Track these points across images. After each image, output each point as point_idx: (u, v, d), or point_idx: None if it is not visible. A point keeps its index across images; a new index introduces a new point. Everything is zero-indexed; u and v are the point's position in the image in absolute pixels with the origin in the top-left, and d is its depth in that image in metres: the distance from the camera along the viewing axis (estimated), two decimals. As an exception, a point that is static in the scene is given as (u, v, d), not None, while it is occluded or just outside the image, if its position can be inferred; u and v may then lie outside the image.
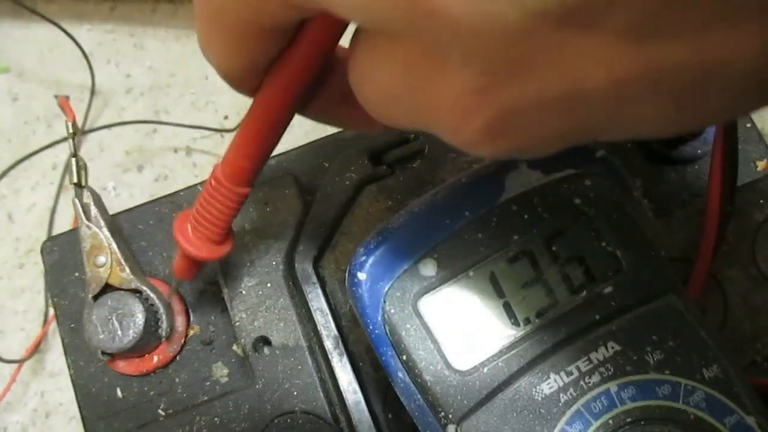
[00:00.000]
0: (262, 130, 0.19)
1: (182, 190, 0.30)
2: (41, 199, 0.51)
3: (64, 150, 0.51)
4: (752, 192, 0.26)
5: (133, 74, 0.53)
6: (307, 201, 0.27)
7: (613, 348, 0.19)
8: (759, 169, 0.29)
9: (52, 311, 0.48)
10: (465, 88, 0.12)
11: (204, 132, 0.51)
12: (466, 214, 0.20)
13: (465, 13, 0.11)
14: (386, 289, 0.19)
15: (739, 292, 0.25)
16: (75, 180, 0.27)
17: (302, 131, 0.50)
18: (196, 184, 0.31)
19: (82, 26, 0.54)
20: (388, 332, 0.19)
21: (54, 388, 0.47)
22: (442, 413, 0.19)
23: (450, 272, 0.20)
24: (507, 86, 0.12)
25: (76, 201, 0.27)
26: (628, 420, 0.19)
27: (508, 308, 0.20)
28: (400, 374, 0.20)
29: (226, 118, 0.52)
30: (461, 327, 0.19)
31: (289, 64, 0.18)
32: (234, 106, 0.52)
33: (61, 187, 0.51)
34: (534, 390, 0.19)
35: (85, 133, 0.52)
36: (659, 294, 0.20)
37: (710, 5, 0.10)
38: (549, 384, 0.19)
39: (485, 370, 0.19)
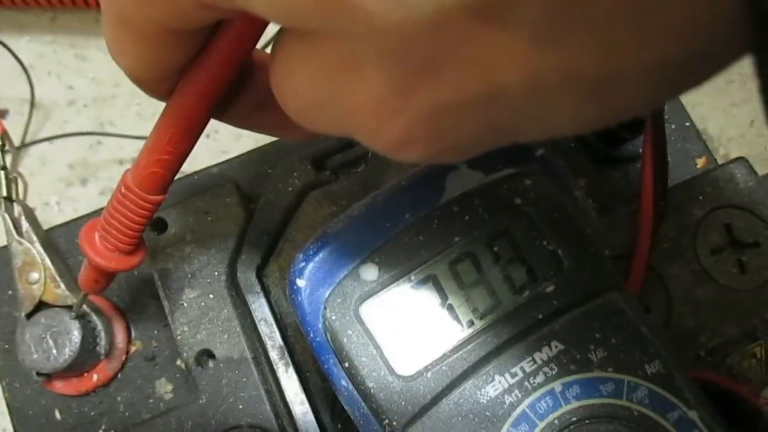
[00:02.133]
0: (176, 135, 0.19)
1: (121, 202, 0.30)
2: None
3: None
4: (692, 189, 0.27)
5: (76, 86, 0.52)
6: (250, 209, 0.27)
7: (556, 347, 0.19)
8: (698, 166, 0.30)
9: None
10: (383, 90, 0.12)
11: (151, 143, 0.50)
12: (406, 217, 0.20)
13: (380, 5, 0.11)
14: (326, 295, 0.19)
15: (681, 287, 0.26)
16: (4, 194, 0.26)
17: (252, 140, 0.50)
18: (135, 195, 0.30)
19: (21, 37, 0.53)
20: (329, 339, 0.19)
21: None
22: (387, 420, 0.19)
23: (391, 276, 0.19)
24: (423, 86, 0.12)
25: (6, 216, 0.26)
26: (573, 419, 0.19)
27: (451, 311, 0.19)
28: (343, 382, 0.20)
29: (173, 128, 0.51)
30: (404, 331, 0.19)
31: (204, 67, 0.17)
32: (182, 116, 0.51)
33: None
34: (479, 393, 0.19)
35: (25, 146, 0.50)
36: (601, 292, 0.20)
37: (610, 4, 0.10)
38: (494, 386, 0.19)
39: (429, 374, 0.19)
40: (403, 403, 0.19)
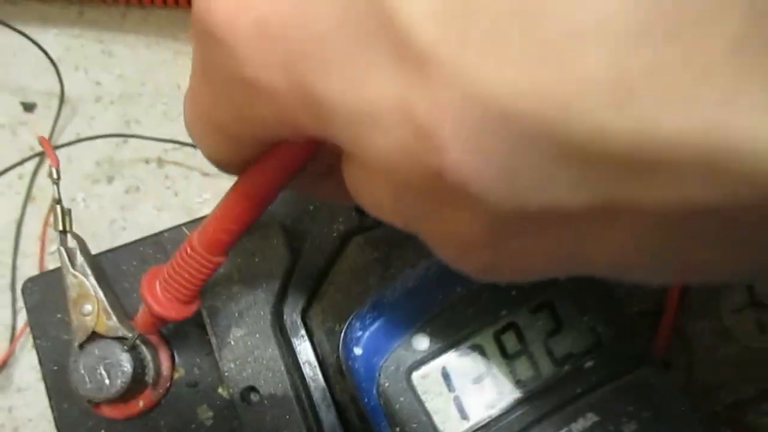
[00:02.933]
0: (246, 209, 0.20)
1: (166, 231, 0.31)
2: (7, 210, 0.50)
3: (32, 161, 0.51)
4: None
5: (103, 82, 0.53)
6: (294, 249, 0.28)
7: (591, 419, 0.21)
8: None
9: (20, 326, 0.47)
10: (470, 233, 0.13)
11: (176, 143, 0.51)
12: (457, 290, 0.21)
13: (494, 193, 0.11)
14: (381, 363, 0.21)
15: (704, 345, 0.27)
16: (60, 227, 0.27)
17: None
18: (179, 225, 0.31)
19: (48, 31, 0.53)
20: (383, 404, 0.21)
21: (22, 403, 0.47)
22: None
23: (441, 346, 0.21)
24: (511, 242, 0.13)
25: (62, 249, 0.27)
26: (605, 486, 0.21)
27: (495, 380, 0.21)
28: None
29: (199, 129, 0.52)
30: (451, 399, 0.21)
31: (279, 156, 0.18)
32: (207, 117, 0.52)
33: (27, 198, 0.50)
34: None
35: (56, 148, 0.51)
36: (635, 367, 0.21)
37: None
38: (534, 453, 0.21)
39: None
40: None
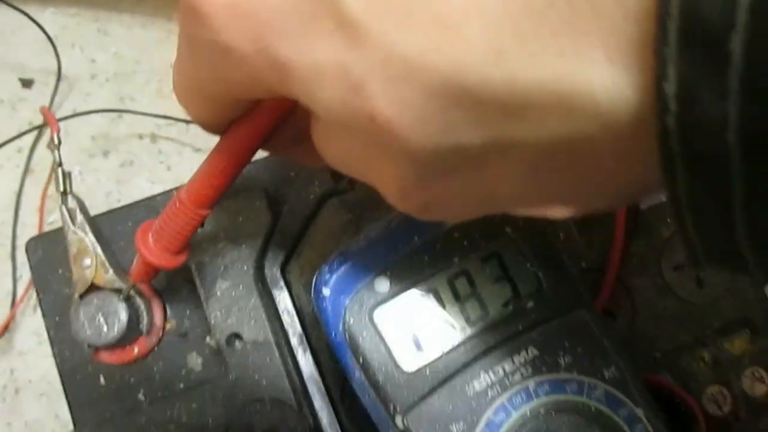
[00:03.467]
0: (228, 166, 0.23)
1: (158, 195, 0.33)
2: (7, 182, 0.53)
3: (30, 134, 0.53)
4: (660, 212, 0.31)
5: (98, 60, 0.55)
6: (275, 211, 0.31)
7: (532, 352, 0.24)
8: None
9: (20, 292, 0.50)
10: (408, 178, 0.16)
11: (170, 119, 0.53)
12: (415, 239, 0.24)
13: (415, 133, 0.14)
14: (346, 302, 0.24)
15: (646, 299, 0.30)
16: (61, 189, 0.30)
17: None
18: (170, 190, 0.34)
19: (45, 9, 0.55)
20: (347, 339, 0.24)
21: (23, 366, 0.50)
22: (392, 406, 0.23)
23: (400, 288, 0.24)
24: (441, 182, 0.16)
25: (63, 208, 0.30)
26: (542, 411, 0.24)
27: (447, 319, 0.24)
28: (357, 374, 0.24)
29: (191, 106, 0.54)
30: (409, 334, 0.24)
31: (255, 117, 0.21)
32: (199, 95, 0.54)
33: (26, 170, 0.53)
34: (467, 386, 0.24)
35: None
36: (571, 308, 0.24)
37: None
38: (479, 382, 0.23)
39: (427, 371, 0.23)
40: (405, 393, 0.23)
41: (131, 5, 0.57)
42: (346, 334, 0.24)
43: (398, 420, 0.23)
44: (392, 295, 0.24)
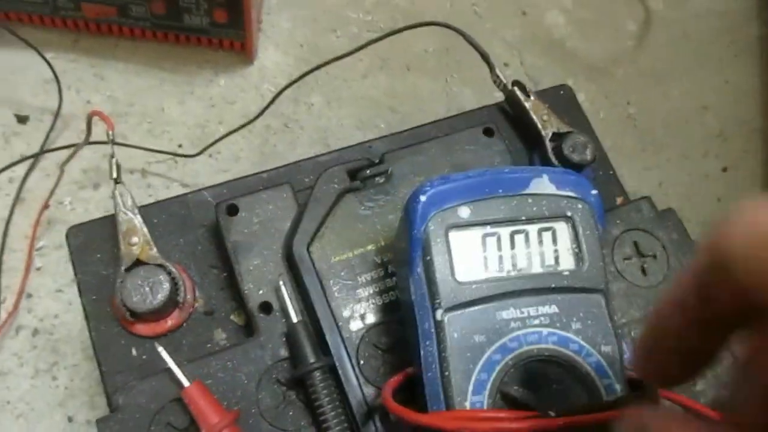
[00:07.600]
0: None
1: (190, 193, 0.39)
2: (-4, 209, 0.56)
3: (21, 166, 0.57)
4: (613, 216, 0.40)
5: (94, 101, 0.61)
6: (299, 203, 0.37)
7: (553, 309, 0.30)
8: (618, 202, 0.43)
9: (3, 316, 0.53)
10: None
11: (159, 157, 0.59)
12: (499, 191, 0.31)
13: None
14: (433, 212, 0.30)
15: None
16: (114, 176, 0.35)
17: (249, 163, 0.60)
18: (201, 189, 0.40)
19: (46, 54, 0.61)
20: (424, 239, 0.30)
21: (2, 386, 0.52)
22: (437, 301, 0.29)
23: (475, 221, 0.30)
24: None
25: (116, 192, 0.35)
26: (545, 353, 0.30)
27: (500, 257, 0.31)
28: (418, 269, 0.30)
29: (180, 146, 0.60)
30: (469, 255, 0.30)
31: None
32: (188, 136, 0.61)
33: (17, 199, 0.56)
34: (497, 312, 0.30)
35: (45, 152, 0.58)
36: (593, 290, 0.31)
37: None
38: (507, 312, 0.30)
39: (473, 286, 0.30)
40: (452, 295, 0.30)
41: (126, 54, 0.63)
42: (425, 235, 0.30)
43: (438, 313, 0.29)
44: (468, 223, 0.30)
